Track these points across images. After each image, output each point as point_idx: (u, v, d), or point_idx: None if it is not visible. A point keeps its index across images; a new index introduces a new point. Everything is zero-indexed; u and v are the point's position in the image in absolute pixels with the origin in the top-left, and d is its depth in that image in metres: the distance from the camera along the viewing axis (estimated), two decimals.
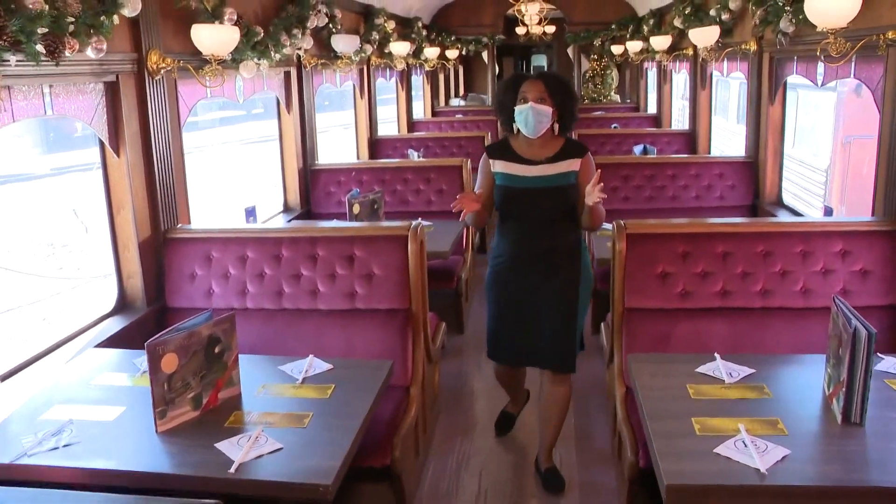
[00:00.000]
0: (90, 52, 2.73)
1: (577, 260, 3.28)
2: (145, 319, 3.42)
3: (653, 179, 5.36)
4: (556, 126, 3.22)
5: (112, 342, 3.20)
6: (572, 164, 3.22)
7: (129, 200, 3.34)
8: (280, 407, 2.44)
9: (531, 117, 3.12)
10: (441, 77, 12.53)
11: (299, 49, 5.05)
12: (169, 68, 3.39)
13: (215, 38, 3.29)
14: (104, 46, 2.78)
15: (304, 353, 3.30)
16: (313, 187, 5.63)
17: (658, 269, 3.24)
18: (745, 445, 2.05)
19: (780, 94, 4.97)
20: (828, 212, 4.11)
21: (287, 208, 5.59)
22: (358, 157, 7.49)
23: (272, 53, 4.35)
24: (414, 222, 3.43)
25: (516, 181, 3.22)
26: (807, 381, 2.45)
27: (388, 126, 9.53)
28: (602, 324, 4.16)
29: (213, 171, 13.92)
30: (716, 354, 2.63)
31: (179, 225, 3.62)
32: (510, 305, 3.31)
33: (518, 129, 3.23)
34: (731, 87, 11.31)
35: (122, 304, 3.46)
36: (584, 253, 3.33)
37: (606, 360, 3.79)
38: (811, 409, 2.29)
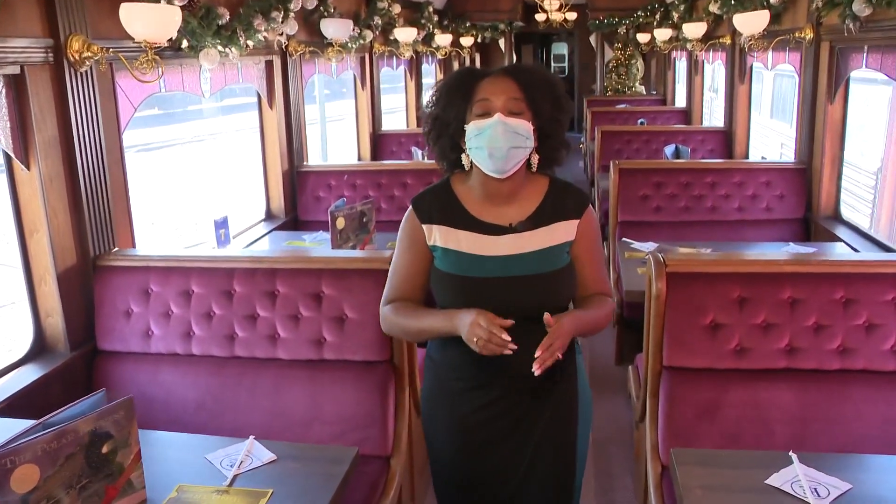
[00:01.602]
0: None
1: (572, 385, 2.09)
2: (70, 366, 2.78)
3: (689, 188, 4.63)
4: (536, 159, 2.00)
5: (24, 398, 2.56)
6: (565, 230, 2.02)
7: (44, 222, 2.68)
8: None
9: (500, 139, 1.88)
10: (455, 65, 11.81)
11: (281, 35, 4.37)
12: (97, 57, 2.72)
13: (149, 19, 2.61)
14: None
15: (259, 412, 2.70)
16: (300, 192, 4.96)
17: (707, 319, 2.53)
18: None
19: (841, 91, 4.23)
20: None
21: (270, 216, 4.93)
22: (359, 154, 6.82)
23: (241, 40, 3.67)
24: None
25: (471, 266, 1.97)
26: None
27: (400, 116, 8.87)
28: (630, 367, 3.46)
29: (219, 164, 13.33)
30: (792, 455, 1.93)
31: (115, 249, 2.97)
32: (472, 454, 2.08)
33: (471, 166, 2.00)
34: (763, 78, 10.55)
35: (40, 348, 2.81)
36: (581, 371, 2.14)
37: (635, 417, 3.10)
38: None
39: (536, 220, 2.02)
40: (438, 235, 2.03)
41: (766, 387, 2.50)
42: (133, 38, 2.68)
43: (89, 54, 2.69)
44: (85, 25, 2.73)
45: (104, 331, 2.84)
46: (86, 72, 2.76)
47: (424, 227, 2.05)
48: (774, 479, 1.84)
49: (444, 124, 2.01)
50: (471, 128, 1.94)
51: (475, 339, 1.81)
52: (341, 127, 10.02)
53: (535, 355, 1.80)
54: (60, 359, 2.77)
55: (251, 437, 2.13)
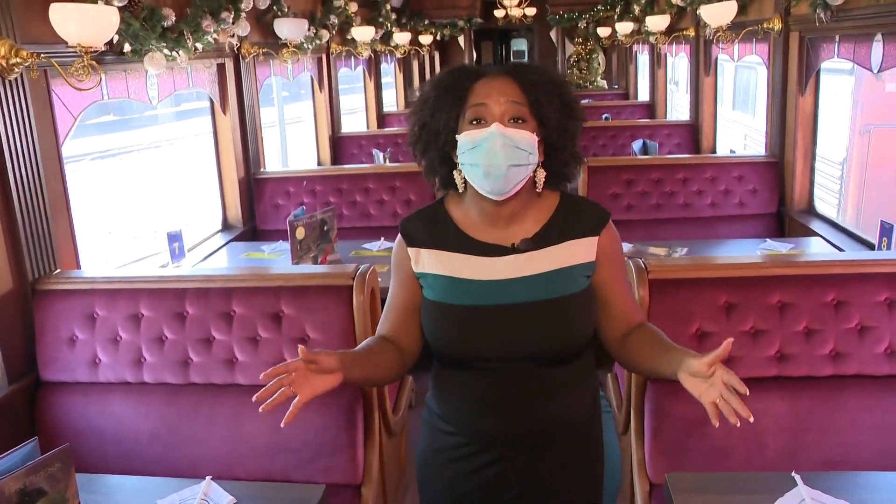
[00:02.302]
0: None
1: (594, 442, 1.80)
2: (9, 401, 2.55)
3: (661, 184, 4.50)
4: (542, 175, 1.70)
5: None
6: (581, 250, 1.71)
7: None
8: None
9: (498, 155, 1.58)
10: (415, 64, 11.63)
11: (232, 36, 4.16)
12: (27, 63, 2.50)
13: (83, 21, 2.40)
14: None
15: (219, 442, 2.50)
16: (258, 200, 4.76)
17: (693, 328, 2.39)
18: None
19: (812, 83, 4.14)
20: (886, 229, 3.29)
21: (227, 226, 4.71)
22: (318, 158, 6.62)
23: (189, 42, 3.46)
24: (362, 266, 2.57)
25: (465, 292, 1.68)
26: None
27: (361, 116, 8.66)
28: (609, 375, 3.32)
29: (177, 170, 12.99)
30: (795, 476, 1.80)
31: (57, 271, 2.75)
32: None
33: (465, 184, 1.71)
34: (724, 70, 10.53)
35: None
36: (609, 425, 1.88)
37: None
38: None
39: (543, 239, 1.70)
40: (427, 260, 1.73)
41: (756, 397, 2.29)
42: (67, 42, 2.47)
43: (18, 60, 2.46)
44: (12, 28, 2.50)
45: (46, 360, 2.62)
46: (16, 80, 2.54)
47: (411, 251, 1.75)
48: None
49: (433, 134, 1.69)
50: (463, 140, 1.63)
51: None
52: (300, 129, 9.82)
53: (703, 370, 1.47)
54: None
55: (207, 477, 1.95)
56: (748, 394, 1.44)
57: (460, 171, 1.69)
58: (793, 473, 1.81)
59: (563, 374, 1.69)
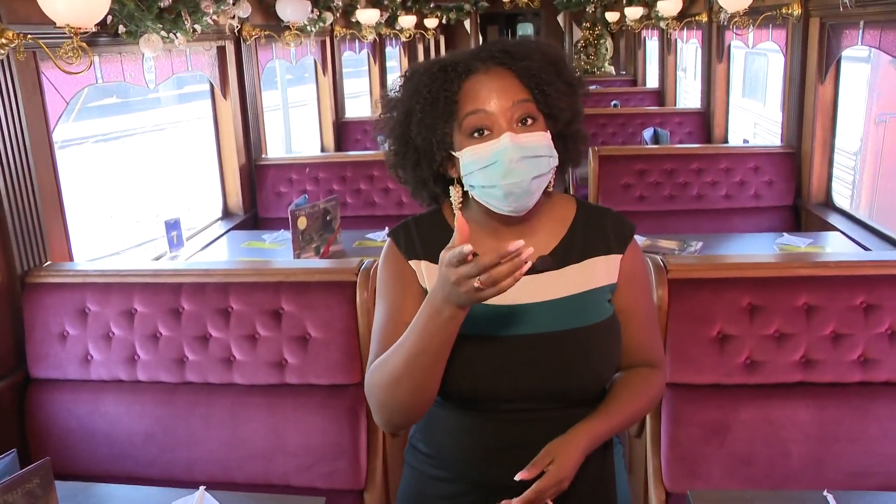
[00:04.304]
0: None
1: (606, 482, 1.54)
2: None
3: (674, 175, 4.36)
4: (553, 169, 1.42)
5: None
6: (605, 269, 1.47)
7: None
8: None
9: (518, 171, 1.31)
10: (420, 48, 11.47)
11: (233, 18, 4.02)
12: (13, 45, 2.37)
13: (73, 1, 2.27)
14: None
15: (215, 444, 2.40)
16: (260, 187, 4.64)
17: (714, 330, 2.27)
18: None
19: (832, 71, 4.00)
20: None
21: (227, 214, 4.59)
22: (322, 144, 6.49)
23: (187, 24, 3.32)
24: (367, 261, 2.45)
25: (473, 319, 1.32)
26: None
27: (364, 100, 8.54)
28: None
29: (180, 154, 12.88)
30: (827, 496, 1.68)
31: (47, 263, 2.63)
32: None
33: (463, 200, 1.45)
34: (734, 56, 10.39)
35: None
36: (621, 475, 1.59)
37: (631, 432, 2.84)
38: None
39: (564, 256, 1.43)
40: (428, 277, 1.44)
41: (780, 404, 2.25)
42: (55, 23, 2.34)
43: (3, 41, 2.33)
44: None
45: (36, 356, 2.51)
46: (2, 62, 2.42)
47: (413, 264, 1.45)
48: None
49: (422, 153, 1.40)
50: (469, 159, 1.34)
51: (476, 285, 1.14)
52: (305, 112, 9.69)
53: None
54: None
55: (201, 488, 1.83)
56: None
57: (458, 187, 1.42)
58: (825, 493, 1.70)
59: (583, 415, 1.42)
